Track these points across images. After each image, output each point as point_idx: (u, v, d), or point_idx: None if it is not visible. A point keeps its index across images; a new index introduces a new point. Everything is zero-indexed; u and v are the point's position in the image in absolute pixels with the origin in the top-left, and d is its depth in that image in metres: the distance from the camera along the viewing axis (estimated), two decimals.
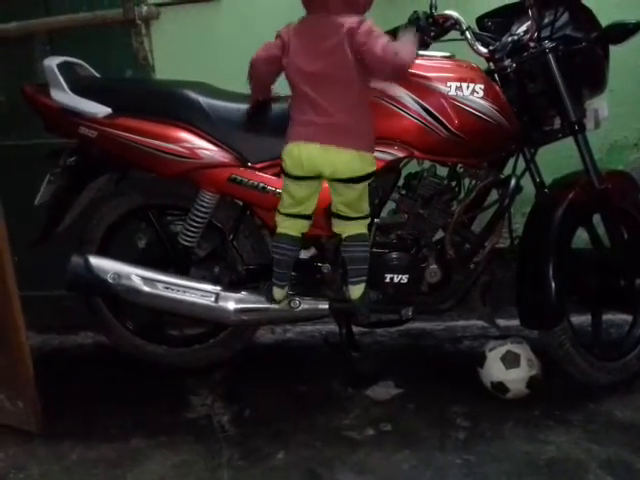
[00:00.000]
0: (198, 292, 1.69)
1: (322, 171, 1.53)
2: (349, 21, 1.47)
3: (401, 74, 1.54)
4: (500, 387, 1.74)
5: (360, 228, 1.62)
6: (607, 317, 1.96)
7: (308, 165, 1.52)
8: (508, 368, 1.72)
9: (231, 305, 1.69)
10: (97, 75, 1.83)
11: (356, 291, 1.65)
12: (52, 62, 1.67)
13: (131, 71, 2.06)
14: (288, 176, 1.56)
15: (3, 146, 2.04)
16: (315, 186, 1.58)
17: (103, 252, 1.85)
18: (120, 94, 1.70)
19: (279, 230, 1.62)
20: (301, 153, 1.51)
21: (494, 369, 1.74)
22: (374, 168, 1.57)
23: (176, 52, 2.06)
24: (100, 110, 1.65)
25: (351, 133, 1.51)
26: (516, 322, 1.81)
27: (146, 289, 1.68)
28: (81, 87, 1.67)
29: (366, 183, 1.57)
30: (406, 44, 1.54)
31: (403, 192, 1.77)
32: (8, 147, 2.05)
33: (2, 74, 2.07)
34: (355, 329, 1.83)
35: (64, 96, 1.65)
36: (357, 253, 1.62)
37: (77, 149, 1.76)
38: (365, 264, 1.63)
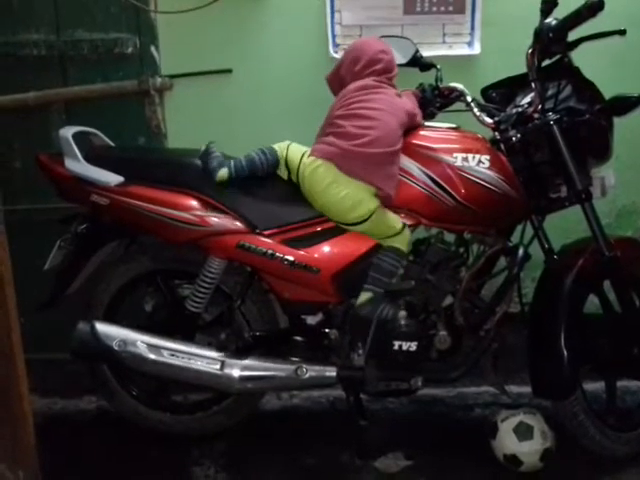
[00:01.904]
0: (204, 359, 1.67)
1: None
2: (410, 105, 1.69)
3: None
4: (513, 460, 1.69)
5: (395, 242, 1.64)
6: (622, 384, 1.91)
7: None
8: (521, 440, 1.68)
9: (236, 372, 1.67)
10: (111, 144, 1.87)
11: (363, 296, 1.65)
12: (67, 132, 1.71)
13: (144, 139, 2.11)
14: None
15: (15, 210, 2.06)
16: None
17: (110, 316, 1.85)
18: (132, 163, 1.73)
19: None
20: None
21: (507, 441, 1.70)
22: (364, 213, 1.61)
23: (188, 121, 2.11)
24: (112, 179, 1.68)
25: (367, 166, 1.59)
26: (528, 389, 1.77)
27: (151, 356, 1.66)
28: (94, 156, 1.71)
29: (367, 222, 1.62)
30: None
31: (411, 258, 1.77)
32: (20, 211, 2.07)
33: (19, 141, 2.12)
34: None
35: (78, 165, 1.68)
36: (384, 263, 1.64)
37: (88, 216, 1.78)
38: (386, 278, 1.64)
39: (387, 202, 1.64)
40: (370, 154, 1.58)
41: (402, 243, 1.65)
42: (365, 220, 1.62)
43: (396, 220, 1.65)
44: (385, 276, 1.64)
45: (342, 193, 1.60)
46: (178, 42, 2.07)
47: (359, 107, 1.63)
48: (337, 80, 1.75)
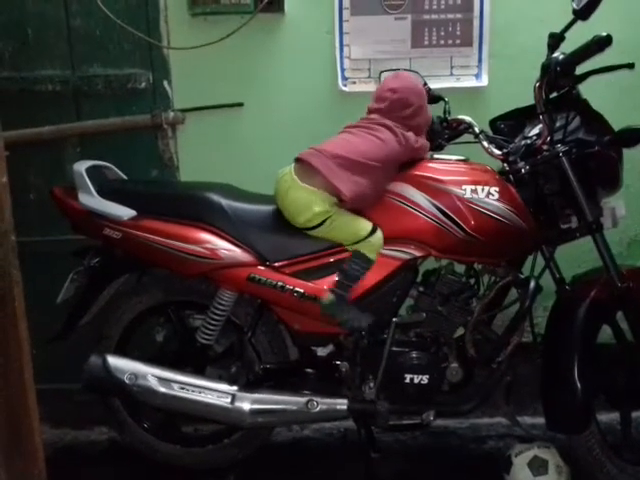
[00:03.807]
0: (214, 393, 1.67)
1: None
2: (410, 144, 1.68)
3: None
4: None
5: (363, 248, 1.63)
6: (637, 415, 1.88)
7: None
8: (536, 475, 1.67)
9: (247, 406, 1.66)
10: (124, 177, 1.90)
11: (327, 298, 1.65)
12: (81, 167, 1.73)
13: (157, 172, 2.14)
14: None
15: (28, 242, 2.07)
16: None
17: (122, 347, 1.86)
18: (145, 197, 1.75)
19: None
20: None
21: (521, 476, 1.68)
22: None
23: (200, 154, 2.14)
24: (125, 213, 1.69)
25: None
26: (542, 420, 1.74)
27: (162, 390, 1.65)
28: (108, 190, 1.73)
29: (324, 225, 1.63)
30: None
31: (421, 289, 1.76)
32: (33, 243, 2.09)
33: (34, 174, 2.15)
34: None
35: (91, 199, 1.71)
36: (350, 269, 1.64)
37: (101, 250, 1.80)
38: (351, 282, 1.64)
39: (346, 206, 1.64)
40: (339, 155, 1.60)
41: (369, 250, 1.64)
42: (319, 225, 1.62)
43: (362, 227, 1.64)
44: (350, 281, 1.65)
45: (295, 196, 1.62)
46: (190, 77, 2.11)
47: (362, 129, 1.68)
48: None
